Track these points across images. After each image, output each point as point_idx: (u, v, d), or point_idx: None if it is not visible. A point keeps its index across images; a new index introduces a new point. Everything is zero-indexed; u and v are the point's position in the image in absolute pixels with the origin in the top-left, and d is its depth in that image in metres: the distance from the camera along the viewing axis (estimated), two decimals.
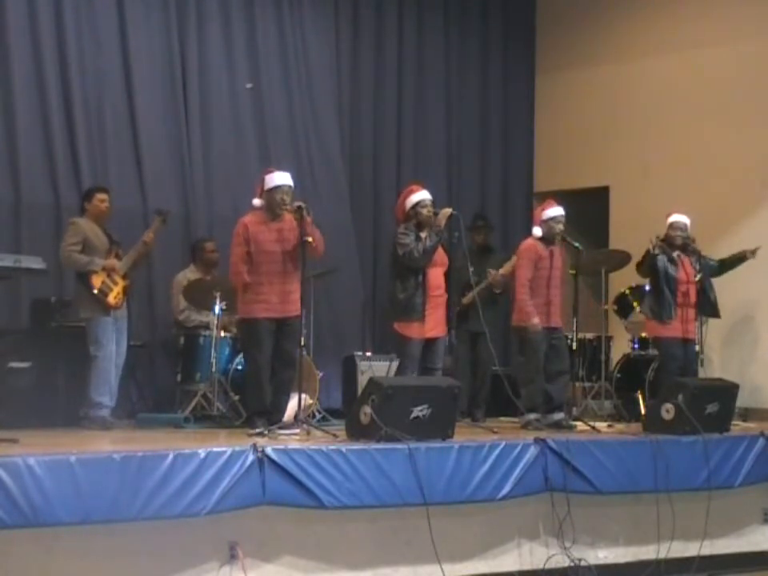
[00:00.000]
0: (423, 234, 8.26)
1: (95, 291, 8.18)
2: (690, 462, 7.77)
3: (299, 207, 7.76)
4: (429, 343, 8.28)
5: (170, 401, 9.30)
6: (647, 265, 9.25)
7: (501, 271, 9.70)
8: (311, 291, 9.00)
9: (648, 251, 9.25)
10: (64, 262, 8.46)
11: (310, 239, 7.67)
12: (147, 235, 8.57)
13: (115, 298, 8.25)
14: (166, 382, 9.53)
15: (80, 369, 8.33)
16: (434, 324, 8.26)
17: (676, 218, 9.25)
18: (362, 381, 9.35)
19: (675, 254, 9.23)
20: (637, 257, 9.79)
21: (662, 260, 9.16)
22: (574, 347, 8.94)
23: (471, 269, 9.17)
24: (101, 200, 8.43)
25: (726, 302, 10.31)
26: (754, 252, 9.97)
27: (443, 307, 8.35)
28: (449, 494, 6.74)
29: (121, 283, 8.33)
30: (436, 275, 8.34)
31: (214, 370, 8.74)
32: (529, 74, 12.85)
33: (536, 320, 8.58)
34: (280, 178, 7.96)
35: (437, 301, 8.30)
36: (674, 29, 11.74)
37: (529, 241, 8.85)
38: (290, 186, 7.98)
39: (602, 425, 8.97)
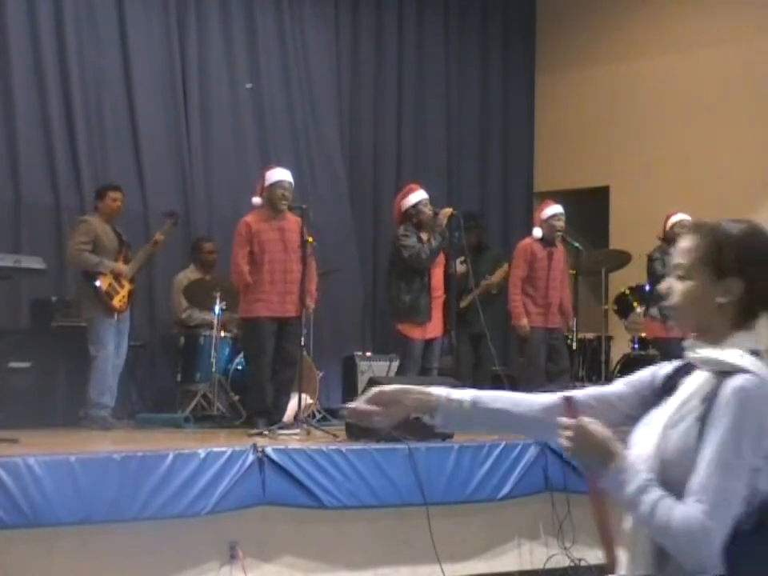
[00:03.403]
0: (423, 235, 8.26)
1: (101, 291, 8.16)
2: None
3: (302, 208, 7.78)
4: (427, 344, 8.28)
5: (170, 401, 9.29)
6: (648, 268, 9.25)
7: (492, 278, 9.69)
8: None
9: (649, 255, 9.26)
10: (72, 261, 8.44)
11: (311, 239, 7.68)
12: (157, 237, 8.59)
13: (120, 301, 8.25)
14: (165, 382, 9.53)
15: (80, 369, 8.33)
16: (433, 324, 8.27)
17: (681, 216, 9.26)
18: (362, 381, 9.35)
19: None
20: (637, 257, 9.79)
21: (660, 262, 9.15)
22: (574, 347, 8.94)
23: (470, 271, 9.15)
24: (113, 198, 8.42)
25: None
26: None
27: (441, 308, 8.36)
28: (449, 494, 6.74)
29: (127, 287, 8.33)
30: (437, 276, 8.35)
31: (213, 370, 8.73)
32: (529, 74, 12.85)
33: (524, 321, 8.62)
34: (279, 174, 7.97)
35: (437, 301, 8.31)
36: (674, 29, 11.74)
37: (525, 241, 8.87)
38: (289, 182, 7.99)
39: None
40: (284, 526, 6.37)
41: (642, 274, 9.65)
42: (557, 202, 9.08)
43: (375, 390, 2.55)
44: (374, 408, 2.53)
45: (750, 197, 11.08)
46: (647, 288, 9.63)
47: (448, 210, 8.32)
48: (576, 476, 7.27)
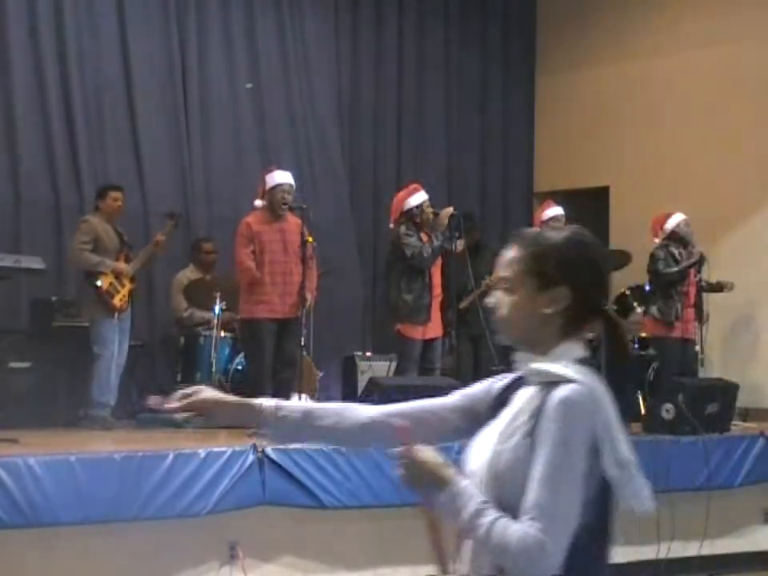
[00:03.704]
0: (423, 236, 8.27)
1: (102, 290, 8.16)
2: (690, 462, 7.77)
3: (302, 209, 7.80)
4: (427, 344, 8.28)
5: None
6: (652, 266, 9.23)
7: (492, 279, 9.67)
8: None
9: (653, 254, 9.24)
10: (73, 260, 8.43)
11: (310, 239, 7.68)
12: (158, 238, 8.58)
13: (121, 300, 8.24)
14: (165, 382, 9.52)
15: (80, 369, 8.33)
16: (433, 325, 8.27)
17: (682, 215, 9.26)
18: (362, 381, 9.35)
19: (678, 251, 9.22)
20: (637, 257, 9.80)
21: (668, 260, 9.13)
22: None
23: (470, 272, 9.16)
24: (114, 198, 8.40)
25: (726, 302, 10.31)
26: (731, 287, 9.99)
27: (440, 307, 8.37)
28: None
29: (128, 286, 8.33)
30: (436, 275, 8.36)
31: (213, 370, 8.73)
32: (529, 75, 12.84)
33: None
34: (280, 177, 7.99)
35: (435, 301, 8.32)
36: (674, 29, 11.74)
37: None
38: (290, 185, 8.01)
39: None
40: (284, 526, 6.37)
41: (642, 274, 9.65)
42: (557, 202, 9.09)
43: (199, 397, 2.51)
44: (177, 404, 2.50)
45: (750, 197, 11.09)
46: (647, 288, 9.63)
47: (449, 210, 8.33)
48: None
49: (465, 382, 9.03)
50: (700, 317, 9.42)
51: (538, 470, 2.26)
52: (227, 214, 9.89)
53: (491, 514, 2.27)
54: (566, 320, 2.41)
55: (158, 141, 10.05)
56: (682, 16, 11.73)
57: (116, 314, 8.21)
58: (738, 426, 9.06)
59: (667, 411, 8.07)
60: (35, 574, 5.66)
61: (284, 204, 7.95)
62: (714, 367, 10.52)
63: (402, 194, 8.63)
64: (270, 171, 8.12)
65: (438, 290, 8.36)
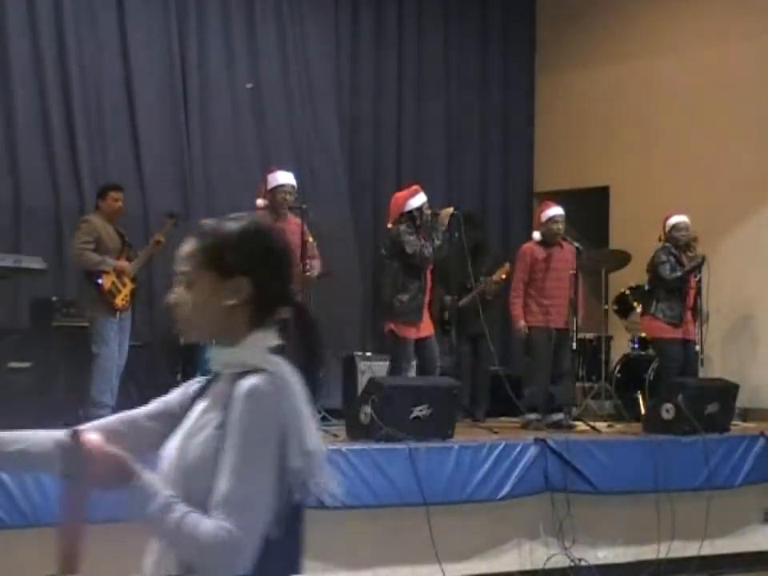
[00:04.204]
0: (421, 236, 8.28)
1: (104, 290, 8.16)
2: (690, 462, 7.77)
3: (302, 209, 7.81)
4: (420, 342, 8.29)
5: None
6: (654, 267, 9.22)
7: (494, 278, 9.68)
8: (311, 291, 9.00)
9: (655, 255, 9.24)
10: (75, 260, 8.44)
11: (310, 239, 7.69)
12: (158, 238, 8.58)
13: (122, 299, 8.24)
14: (165, 382, 9.50)
15: (80, 369, 8.32)
16: (425, 323, 8.31)
17: (679, 218, 9.25)
18: (362, 381, 9.34)
19: (679, 253, 9.23)
20: (637, 257, 9.79)
21: (672, 263, 9.13)
22: (574, 347, 8.94)
23: (470, 271, 9.17)
24: (115, 198, 8.40)
25: (725, 302, 10.31)
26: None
27: (429, 306, 8.43)
28: (449, 494, 6.74)
29: (129, 286, 8.33)
30: (429, 276, 8.41)
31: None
32: (529, 74, 12.85)
33: (522, 323, 8.69)
34: (282, 178, 8.01)
35: (427, 300, 8.38)
36: (674, 29, 11.74)
37: (526, 244, 8.90)
38: (292, 186, 8.03)
39: (602, 425, 8.97)
40: None
41: (642, 274, 9.65)
42: (557, 202, 9.09)
43: None
44: None
45: (749, 197, 11.09)
46: (647, 288, 9.63)
47: (449, 210, 8.34)
48: (576, 476, 7.29)
49: (465, 382, 9.02)
50: (697, 318, 9.42)
51: (227, 462, 2.20)
52: (227, 213, 9.87)
53: (181, 509, 2.19)
54: (251, 310, 2.37)
55: (158, 141, 10.05)
56: (682, 16, 11.73)
57: (117, 314, 8.22)
58: (737, 426, 9.07)
59: (667, 411, 8.07)
60: (35, 574, 5.66)
61: (285, 205, 7.95)
62: (714, 367, 10.52)
63: (403, 194, 8.62)
64: (272, 171, 8.13)
65: (429, 291, 8.40)
